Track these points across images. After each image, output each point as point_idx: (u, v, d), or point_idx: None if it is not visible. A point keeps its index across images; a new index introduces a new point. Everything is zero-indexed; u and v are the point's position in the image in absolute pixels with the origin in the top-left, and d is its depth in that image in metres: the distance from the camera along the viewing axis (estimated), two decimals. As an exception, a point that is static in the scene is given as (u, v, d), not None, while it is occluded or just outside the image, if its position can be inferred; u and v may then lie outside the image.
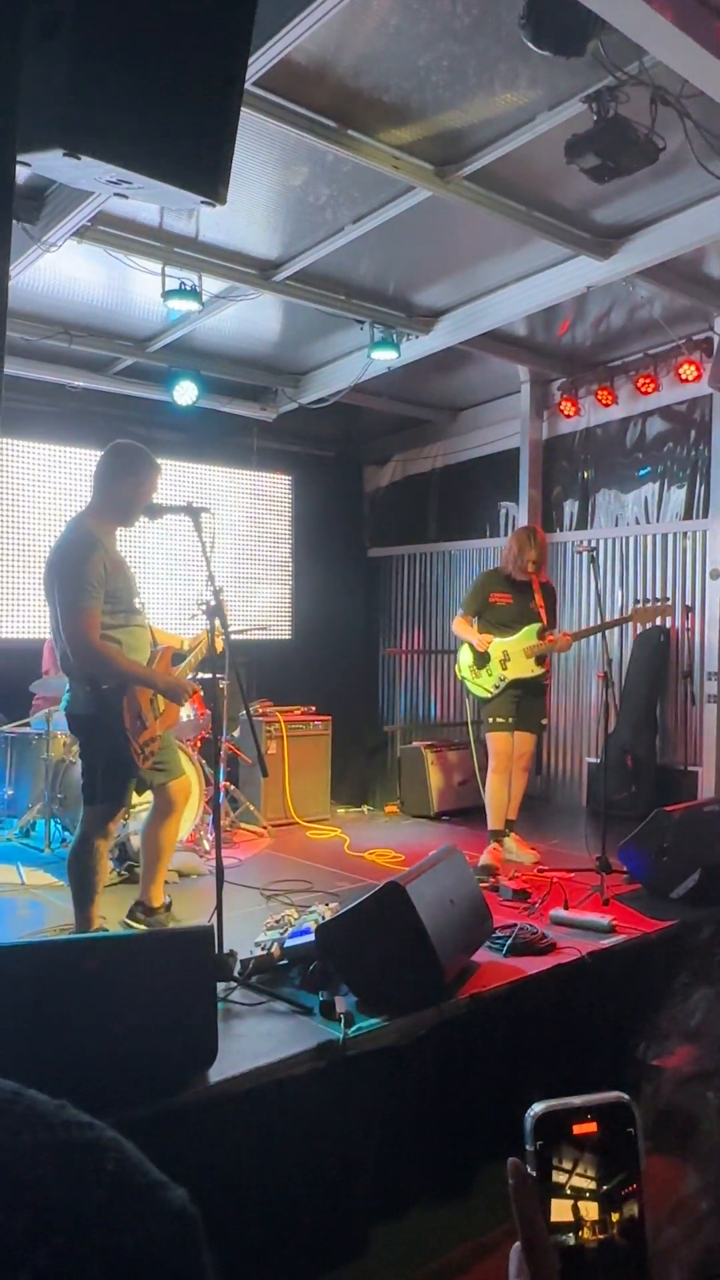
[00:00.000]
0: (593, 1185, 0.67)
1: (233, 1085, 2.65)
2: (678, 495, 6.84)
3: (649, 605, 5.41)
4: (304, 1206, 2.70)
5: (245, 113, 2.84)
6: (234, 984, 3.26)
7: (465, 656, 5.40)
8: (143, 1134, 0.49)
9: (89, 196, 3.96)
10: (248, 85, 3.05)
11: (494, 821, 5.31)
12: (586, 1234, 0.66)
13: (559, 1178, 0.67)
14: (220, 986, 3.10)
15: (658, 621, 6.45)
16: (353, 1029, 2.95)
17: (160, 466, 3.81)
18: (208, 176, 2.40)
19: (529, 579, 5.33)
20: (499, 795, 5.31)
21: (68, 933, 3.68)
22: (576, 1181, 0.67)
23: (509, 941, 3.71)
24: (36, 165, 2.29)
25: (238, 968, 3.35)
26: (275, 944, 3.43)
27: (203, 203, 2.42)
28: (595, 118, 3.62)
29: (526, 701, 5.33)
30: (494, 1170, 3.09)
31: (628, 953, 3.86)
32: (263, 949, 3.43)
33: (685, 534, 6.76)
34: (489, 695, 5.29)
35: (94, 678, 3.51)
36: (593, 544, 5.19)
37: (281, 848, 5.89)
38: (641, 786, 6.54)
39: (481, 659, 5.29)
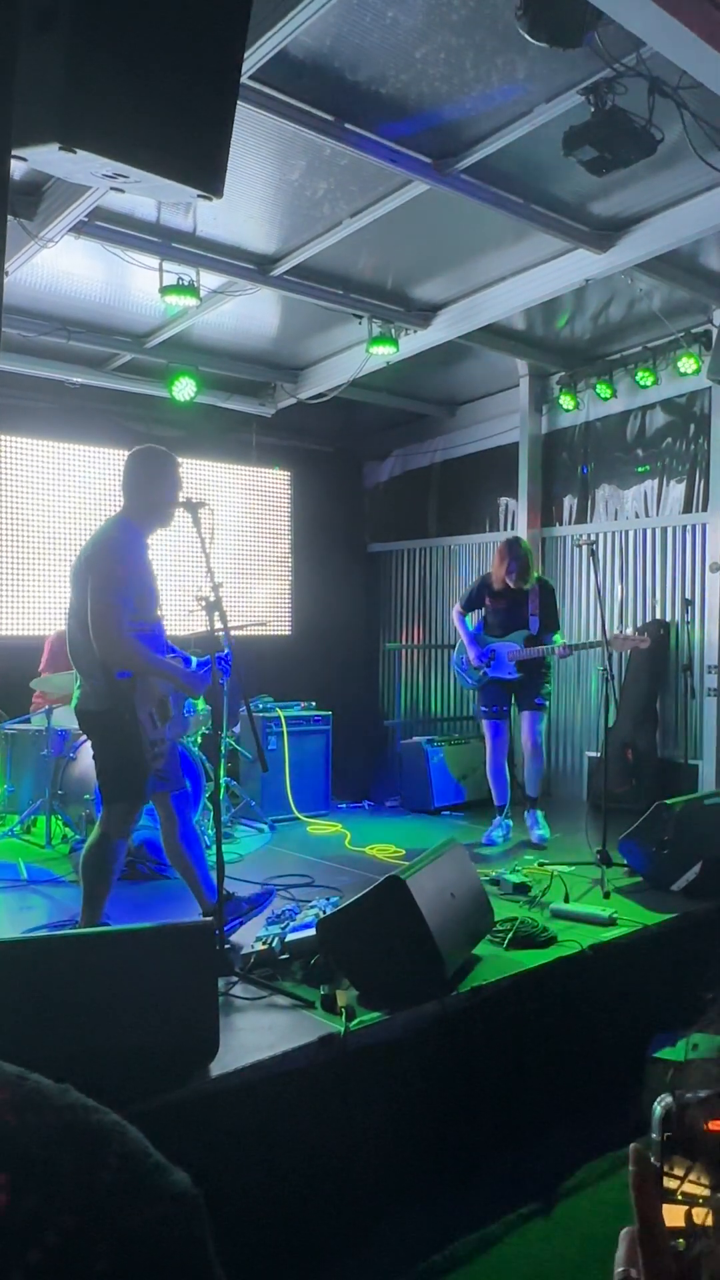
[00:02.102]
0: (707, 1191, 0.63)
1: (234, 1079, 2.65)
2: (677, 488, 6.83)
3: (624, 636, 5.43)
4: (306, 1199, 2.70)
5: (241, 106, 2.84)
6: (235, 978, 3.27)
7: (458, 649, 5.83)
8: (144, 1128, 0.49)
9: (86, 191, 3.95)
10: (244, 79, 3.04)
11: (498, 798, 5.80)
12: (700, 1242, 0.61)
13: (671, 1184, 0.63)
14: (221, 981, 3.10)
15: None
16: (354, 1022, 2.96)
17: (180, 465, 3.84)
18: (205, 170, 2.41)
19: (518, 586, 5.60)
20: (495, 775, 5.78)
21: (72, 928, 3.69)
22: (690, 1188, 0.63)
23: (510, 934, 3.72)
24: (33, 159, 2.29)
25: (239, 962, 3.36)
26: (277, 938, 3.44)
27: (199, 196, 2.43)
28: (593, 110, 3.61)
29: (522, 686, 5.62)
30: (496, 1161, 3.10)
31: (629, 945, 3.87)
32: (264, 943, 3.43)
33: (685, 527, 6.76)
34: (474, 688, 5.78)
35: (112, 669, 3.52)
36: (592, 538, 5.21)
37: (282, 843, 5.89)
38: (642, 780, 6.54)
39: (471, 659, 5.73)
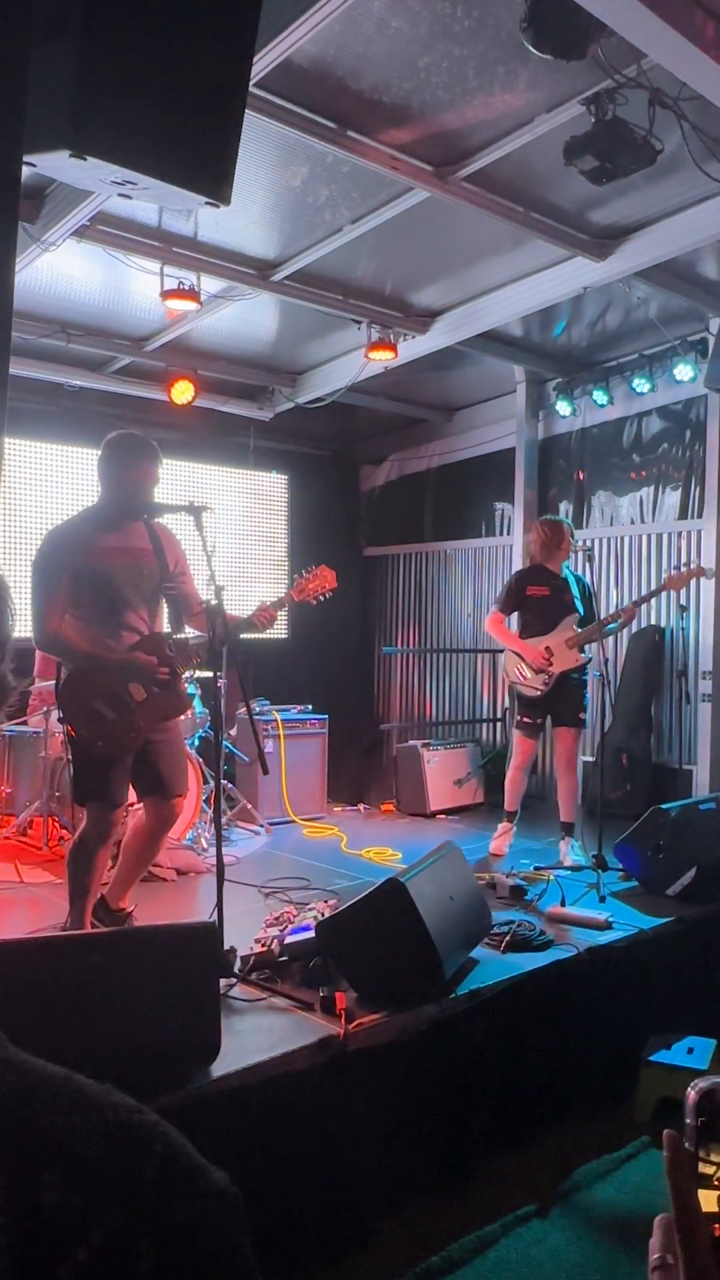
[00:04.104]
0: None
1: (235, 1080, 2.66)
2: (673, 495, 6.87)
3: (681, 572, 5.26)
4: (305, 1200, 2.71)
5: (246, 113, 2.85)
6: (235, 980, 3.28)
7: (514, 659, 5.44)
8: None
9: (89, 196, 3.96)
10: (249, 87, 3.06)
11: (510, 803, 5.63)
12: None
13: (706, 1169, 0.63)
14: (221, 983, 3.11)
15: (693, 585, 6.29)
16: (353, 1024, 2.97)
17: (159, 452, 3.75)
18: (212, 177, 2.42)
19: (559, 572, 5.38)
20: (516, 782, 5.61)
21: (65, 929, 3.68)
22: None
23: (507, 938, 3.74)
24: (42, 166, 2.30)
25: (238, 964, 3.37)
26: (276, 940, 3.45)
27: (207, 203, 2.44)
28: (594, 120, 3.64)
29: (560, 697, 5.34)
30: (493, 1163, 3.12)
31: (624, 949, 3.89)
32: (263, 945, 3.44)
33: (680, 534, 6.79)
34: (540, 694, 5.34)
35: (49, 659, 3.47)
36: (588, 543, 5.20)
37: (278, 846, 5.90)
38: (637, 785, 6.57)
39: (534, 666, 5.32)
